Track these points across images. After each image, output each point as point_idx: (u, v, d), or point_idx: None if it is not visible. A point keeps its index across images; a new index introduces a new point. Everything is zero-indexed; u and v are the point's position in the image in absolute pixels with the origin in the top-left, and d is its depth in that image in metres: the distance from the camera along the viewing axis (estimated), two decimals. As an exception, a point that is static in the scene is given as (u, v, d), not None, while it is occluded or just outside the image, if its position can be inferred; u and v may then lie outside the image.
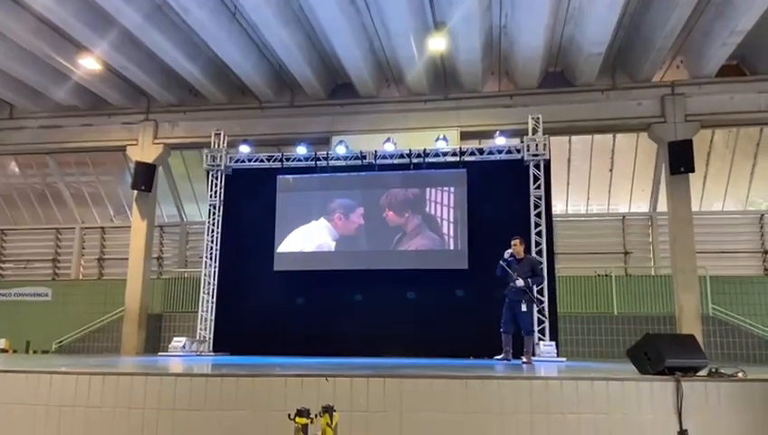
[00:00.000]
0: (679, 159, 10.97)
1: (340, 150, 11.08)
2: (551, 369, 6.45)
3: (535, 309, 8.93)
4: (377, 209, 10.96)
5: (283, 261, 11.06)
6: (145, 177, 12.52)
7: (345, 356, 9.33)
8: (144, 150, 12.89)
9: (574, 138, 12.89)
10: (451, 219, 10.70)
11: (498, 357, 7.95)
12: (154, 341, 12.69)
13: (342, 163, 11.20)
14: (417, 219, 10.82)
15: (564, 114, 11.52)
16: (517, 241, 8.23)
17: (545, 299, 9.78)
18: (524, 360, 7.89)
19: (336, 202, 11.15)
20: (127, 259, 12.89)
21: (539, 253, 10.02)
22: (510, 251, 8.27)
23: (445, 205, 10.78)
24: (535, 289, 8.72)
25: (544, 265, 9.90)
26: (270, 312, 10.79)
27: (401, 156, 10.98)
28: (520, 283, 7.96)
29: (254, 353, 10.25)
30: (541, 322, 9.68)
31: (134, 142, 13.01)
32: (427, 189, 10.94)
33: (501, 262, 8.16)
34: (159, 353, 10.81)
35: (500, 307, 10.05)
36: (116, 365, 5.63)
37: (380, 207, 10.96)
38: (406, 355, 9.83)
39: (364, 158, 11.08)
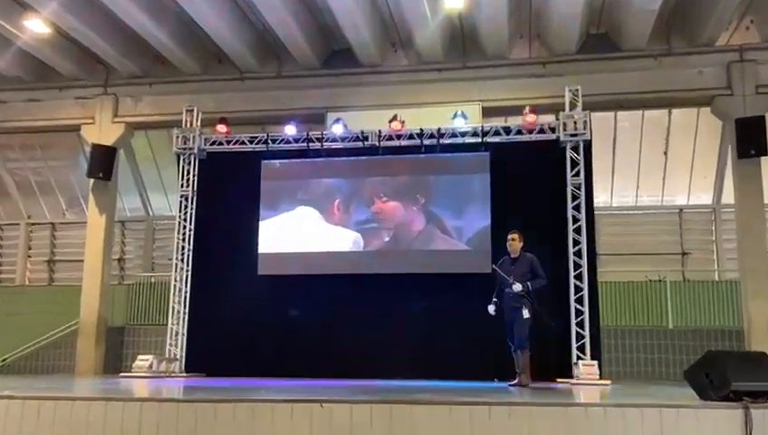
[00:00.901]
0: (749, 140, 10.90)
1: (338, 130, 11.07)
2: (592, 393, 6.43)
3: (524, 314, 8.20)
4: (379, 201, 10.97)
5: (269, 263, 11.08)
6: (103, 162, 12.54)
7: (344, 378, 9.35)
8: (102, 131, 12.90)
9: (621, 114, 12.82)
10: (471, 213, 10.67)
11: (512, 383, 7.86)
12: (115, 359, 12.73)
13: (340, 146, 11.19)
14: (431, 213, 10.80)
15: (609, 85, 11.46)
16: (516, 236, 8.14)
17: (585, 309, 9.78)
18: (517, 381, 7.74)
19: (332, 193, 11.16)
20: (82, 261, 12.92)
21: (577, 254, 10.00)
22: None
23: (464, 196, 10.75)
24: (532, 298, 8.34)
25: (584, 269, 9.91)
26: (254, 325, 10.82)
27: (411, 137, 10.96)
28: (517, 287, 7.81)
29: (234, 375, 10.25)
30: (580, 337, 9.70)
31: (90, 121, 13.03)
32: (442, 177, 10.92)
33: (493, 265, 8.16)
34: (121, 374, 10.84)
35: (531, 318, 10.11)
36: (70, 388, 5.65)
37: (386, 198, 10.95)
38: (417, 377, 9.82)
39: (366, 139, 11.07)
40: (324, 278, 10.79)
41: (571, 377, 9.37)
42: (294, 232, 11.17)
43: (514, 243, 8.10)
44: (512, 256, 8.13)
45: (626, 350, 11.55)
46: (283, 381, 8.63)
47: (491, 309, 8.04)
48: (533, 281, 7.93)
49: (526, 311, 7.80)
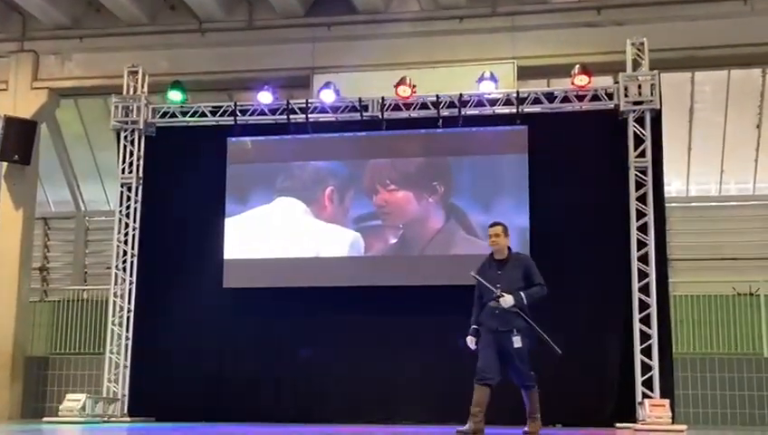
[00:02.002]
0: None
1: (327, 97, 11.01)
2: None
3: (515, 342, 7.41)
4: (384, 190, 10.93)
5: (237, 274, 11.05)
6: (20, 141, 12.48)
7: (335, 423, 9.32)
8: (17, 99, 12.84)
9: (699, 75, 12.75)
10: (504, 206, 10.60)
11: (462, 429, 7.20)
12: (36, 399, 12.69)
13: (331, 118, 11.15)
14: (451, 207, 10.76)
15: (683, 37, 11.36)
16: (499, 229, 7.51)
17: (653, 332, 9.74)
18: (529, 429, 7.45)
19: (323, 179, 11.11)
20: (-8, 271, 12.90)
21: (643, 260, 9.95)
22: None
23: (494, 184, 10.69)
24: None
25: (652, 279, 9.87)
26: (217, 355, 10.81)
27: (424, 106, 10.91)
28: (508, 302, 7.21)
29: (191, 419, 10.27)
30: (647, 368, 9.64)
31: (2, 87, 12.95)
32: (466, 159, 10.87)
33: (472, 273, 7.56)
34: (45, 419, 10.82)
35: (581, 344, 10.13)
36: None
37: (393, 186, 10.91)
38: (430, 421, 9.85)
39: (365, 109, 11.02)
40: (311, 293, 10.75)
41: (635, 421, 9.35)
42: (271, 232, 11.12)
43: (499, 239, 7.48)
44: (496, 257, 7.55)
45: (706, 385, 11.46)
46: (255, 428, 8.60)
47: (471, 342, 7.46)
48: (529, 291, 7.36)
49: (519, 338, 7.24)
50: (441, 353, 10.27)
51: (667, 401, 9.24)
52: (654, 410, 9.06)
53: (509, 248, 7.61)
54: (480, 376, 7.28)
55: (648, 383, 9.60)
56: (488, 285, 7.31)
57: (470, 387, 10.04)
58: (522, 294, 7.29)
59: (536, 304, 7.38)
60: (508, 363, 7.33)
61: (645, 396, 9.48)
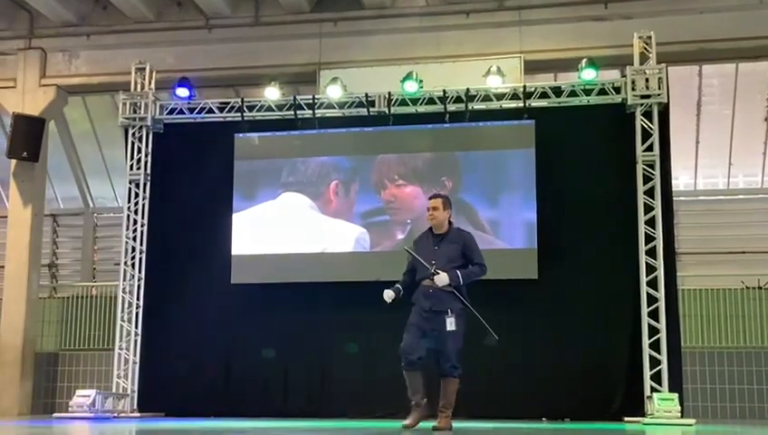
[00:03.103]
0: None
1: (334, 93, 11.01)
2: (673, 438, 6.39)
3: (449, 324, 6.87)
4: (392, 185, 10.94)
5: (245, 269, 11.07)
6: (28, 138, 12.51)
7: (344, 418, 9.34)
8: (26, 97, 12.86)
9: (707, 68, 12.70)
10: (511, 201, 10.63)
11: (408, 422, 6.83)
12: (46, 394, 12.75)
13: (337, 113, 11.16)
14: (459, 202, 10.74)
15: (691, 30, 11.32)
16: (438, 203, 7.05)
17: (662, 326, 9.74)
18: (438, 424, 6.81)
19: (328, 173, 11.11)
20: (1, 267, 12.95)
21: (651, 253, 9.94)
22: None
23: (501, 178, 10.71)
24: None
25: (660, 273, 9.86)
26: (226, 350, 10.87)
27: (431, 101, 10.92)
28: (442, 280, 6.79)
29: (201, 415, 10.29)
30: (655, 362, 9.64)
31: (10, 84, 12.99)
32: (474, 154, 10.87)
33: (405, 247, 7.23)
34: (55, 415, 10.88)
35: (589, 339, 10.15)
36: (-12, 435, 5.65)
37: (402, 181, 10.92)
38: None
39: (372, 104, 11.02)
40: (318, 289, 10.77)
41: (644, 415, 9.37)
42: (278, 227, 11.13)
43: (437, 213, 7.01)
44: (435, 231, 7.09)
45: (714, 379, 11.49)
46: (267, 423, 8.62)
47: (388, 295, 7.02)
48: (467, 270, 6.92)
49: (453, 320, 6.75)
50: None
51: (675, 396, 9.23)
52: (663, 404, 9.05)
53: (450, 223, 7.13)
54: (404, 360, 6.83)
55: (656, 377, 9.60)
56: (423, 262, 6.87)
57: (480, 382, 10.16)
58: (458, 272, 6.84)
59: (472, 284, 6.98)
60: (437, 348, 6.83)
61: (653, 390, 9.47)
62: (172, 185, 11.39)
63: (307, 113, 11.13)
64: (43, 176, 13.23)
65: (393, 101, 10.95)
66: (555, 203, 10.40)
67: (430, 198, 7.19)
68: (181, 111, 11.48)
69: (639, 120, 10.28)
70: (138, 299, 11.12)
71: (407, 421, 6.85)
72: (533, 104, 10.65)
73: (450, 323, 6.76)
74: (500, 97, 10.77)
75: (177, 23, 12.70)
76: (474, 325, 6.92)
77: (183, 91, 11.41)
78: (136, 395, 10.90)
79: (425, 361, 6.85)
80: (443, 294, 6.81)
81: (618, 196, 10.29)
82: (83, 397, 10.22)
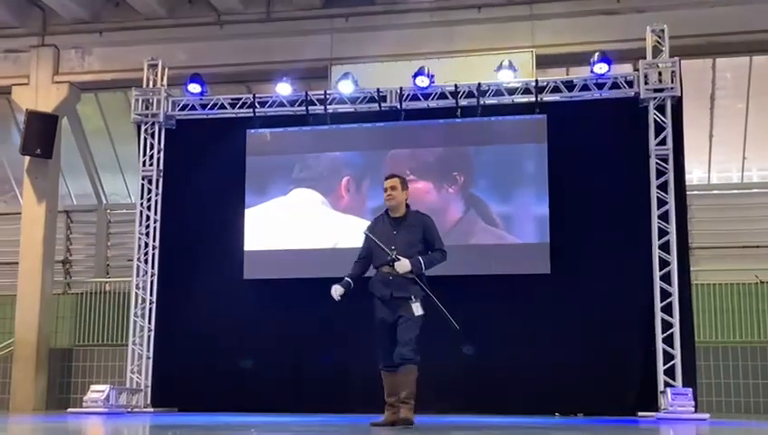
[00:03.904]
0: None
1: (346, 89, 11.01)
2: (687, 433, 6.35)
3: (415, 309, 6.65)
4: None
5: (257, 265, 11.10)
6: (41, 135, 12.57)
7: (356, 413, 9.35)
8: (39, 93, 12.92)
9: (720, 61, 12.64)
10: (523, 196, 10.61)
11: (379, 421, 6.65)
12: (60, 390, 12.82)
13: (349, 109, 11.16)
14: (471, 197, 10.75)
15: (704, 23, 11.26)
16: (396, 183, 6.74)
17: (675, 321, 9.71)
18: (402, 416, 6.47)
19: (339, 169, 11.12)
20: (16, 263, 12.99)
21: (664, 248, 9.91)
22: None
23: (513, 173, 10.69)
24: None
25: (673, 268, 9.83)
26: (239, 345, 10.88)
27: (443, 96, 10.90)
28: (404, 266, 6.50)
29: (215, 410, 10.32)
30: (669, 357, 9.62)
31: (23, 81, 13.04)
32: (485, 149, 10.86)
33: (365, 231, 6.87)
34: (69, 410, 10.94)
35: (602, 333, 10.12)
36: (3, 430, 5.67)
37: (413, 177, 10.85)
38: (455, 411, 9.87)
39: (383, 99, 11.02)
40: (330, 284, 10.67)
41: (657, 410, 9.34)
42: (290, 223, 11.14)
43: (395, 192, 6.69)
44: (392, 214, 6.77)
45: (728, 374, 11.48)
46: (279, 418, 8.64)
47: (335, 292, 6.84)
48: (429, 257, 6.66)
49: (418, 305, 6.47)
50: (459, 343, 10.29)
51: (689, 390, 9.20)
52: (676, 399, 9.02)
53: (407, 206, 6.83)
54: (383, 363, 6.66)
55: (670, 372, 9.56)
56: (383, 247, 6.57)
57: (491, 377, 10.18)
58: (421, 259, 6.57)
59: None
60: (398, 331, 6.55)
61: (667, 385, 9.44)
62: (184, 181, 11.40)
63: (319, 109, 11.13)
64: (56, 173, 13.29)
65: (405, 97, 10.94)
66: (567, 198, 10.37)
67: (386, 178, 6.83)
68: (193, 108, 11.51)
69: (652, 114, 10.23)
70: (151, 295, 11.16)
71: (379, 420, 6.67)
72: (545, 99, 10.63)
73: (417, 308, 6.53)
74: (512, 92, 10.75)
75: (188, 19, 12.73)
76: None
77: (195, 88, 11.43)
78: (149, 390, 10.94)
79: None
80: (403, 281, 6.55)
81: (631, 190, 10.24)
82: (97, 392, 10.25)
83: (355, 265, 6.95)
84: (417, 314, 6.48)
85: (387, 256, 6.53)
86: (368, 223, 10.78)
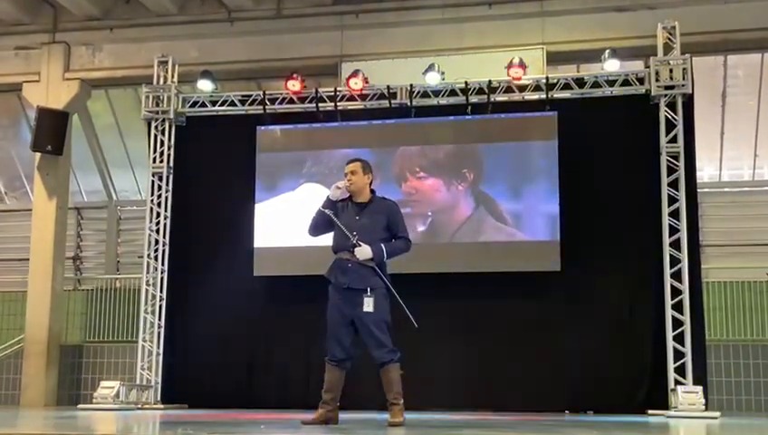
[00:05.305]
0: None
1: (356, 85, 11.02)
2: (698, 430, 6.34)
3: (366, 306, 6.19)
4: (414, 178, 10.94)
5: (267, 262, 11.12)
6: (52, 131, 12.61)
7: (366, 410, 9.35)
8: (50, 90, 12.96)
9: (732, 58, 12.61)
10: (534, 193, 10.60)
11: (308, 420, 6.38)
12: (71, 386, 12.85)
13: (359, 105, 11.19)
14: (480, 194, 10.75)
15: (715, 20, 11.22)
16: (356, 166, 6.39)
17: (686, 319, 9.69)
18: (394, 419, 6.11)
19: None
20: (26, 260, 13.03)
21: (675, 246, 9.88)
22: (339, 188, 6.37)
23: (523, 170, 10.69)
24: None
25: (684, 265, 9.81)
26: (248, 342, 10.92)
27: (453, 93, 10.92)
28: (365, 253, 6.13)
29: (224, 406, 10.34)
30: (679, 355, 9.60)
31: (34, 78, 13.09)
32: (495, 146, 10.86)
33: (325, 209, 6.37)
34: (80, 406, 10.97)
35: (612, 330, 10.12)
36: (14, 425, 5.69)
37: (423, 174, 10.92)
38: (467, 409, 9.87)
39: (394, 96, 11.03)
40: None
41: (668, 408, 9.34)
42: (299, 220, 11.07)
43: (356, 177, 6.35)
44: (355, 199, 6.42)
45: (739, 372, 11.41)
46: (286, 415, 8.64)
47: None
48: (392, 245, 6.31)
49: (372, 300, 6.06)
50: (470, 340, 10.32)
51: (699, 388, 9.19)
52: (687, 396, 9.02)
53: (372, 191, 6.50)
54: (331, 355, 6.31)
55: (680, 370, 9.56)
56: (345, 231, 6.18)
57: (502, 374, 10.18)
58: (383, 246, 6.20)
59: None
60: (364, 338, 6.19)
61: (677, 383, 9.44)
62: (195, 178, 11.44)
63: (329, 106, 11.15)
64: (66, 169, 13.32)
65: (415, 93, 10.96)
66: (578, 195, 10.38)
67: (348, 163, 6.50)
68: (203, 104, 11.54)
69: (663, 112, 10.22)
70: (161, 291, 11.21)
71: (309, 418, 6.36)
72: (556, 96, 10.65)
73: (368, 304, 6.08)
74: (522, 88, 10.76)
75: (199, 16, 12.74)
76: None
77: (205, 84, 11.47)
78: (159, 387, 10.99)
79: (355, 362, 6.36)
80: (363, 269, 6.15)
81: (641, 188, 10.24)
82: (108, 388, 10.30)
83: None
84: (365, 309, 6.06)
85: (347, 240, 6.15)
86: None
